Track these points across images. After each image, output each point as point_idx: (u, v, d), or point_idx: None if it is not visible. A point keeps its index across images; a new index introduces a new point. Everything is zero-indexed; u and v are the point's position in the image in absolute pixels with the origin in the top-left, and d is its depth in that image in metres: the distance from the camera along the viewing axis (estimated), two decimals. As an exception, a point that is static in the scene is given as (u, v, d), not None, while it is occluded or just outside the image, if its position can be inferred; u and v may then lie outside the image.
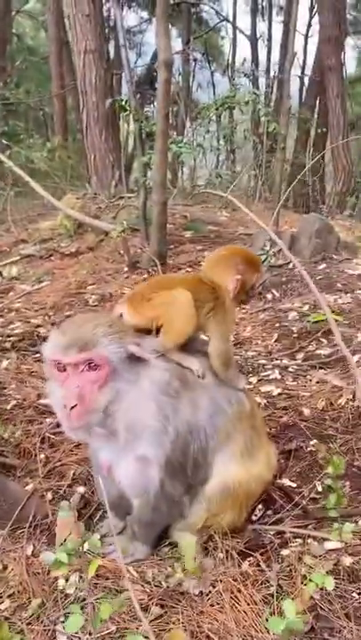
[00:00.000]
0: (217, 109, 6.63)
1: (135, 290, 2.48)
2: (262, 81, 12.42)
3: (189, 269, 5.46)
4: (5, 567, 2.20)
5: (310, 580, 1.71)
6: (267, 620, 1.62)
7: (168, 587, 2.01)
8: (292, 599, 1.44)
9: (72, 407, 1.88)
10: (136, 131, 5.85)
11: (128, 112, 5.60)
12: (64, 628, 1.89)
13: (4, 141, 11.38)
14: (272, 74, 14.10)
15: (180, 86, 15.65)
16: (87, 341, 1.90)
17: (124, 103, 5.78)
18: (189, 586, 2.00)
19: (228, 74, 16.41)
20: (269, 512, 2.42)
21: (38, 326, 4.41)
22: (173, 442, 2.02)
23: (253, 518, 2.36)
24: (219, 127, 12.58)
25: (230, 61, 17.04)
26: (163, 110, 4.92)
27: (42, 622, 1.94)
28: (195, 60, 16.44)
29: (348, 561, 2.03)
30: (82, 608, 1.93)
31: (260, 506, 2.41)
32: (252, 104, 6.34)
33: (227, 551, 2.11)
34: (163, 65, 4.76)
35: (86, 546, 2.22)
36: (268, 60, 15.34)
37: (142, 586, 2.03)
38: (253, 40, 15.29)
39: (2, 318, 4.81)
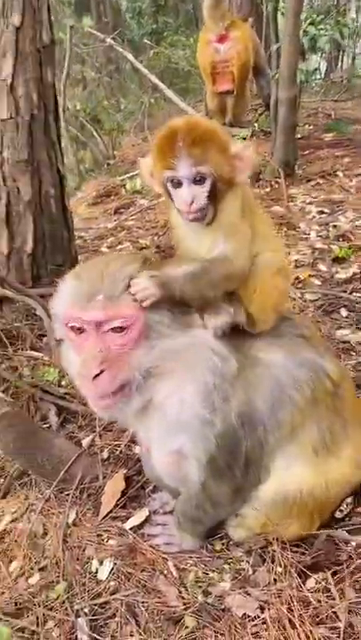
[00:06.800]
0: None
1: None
2: None
3: (321, 181, 4.60)
4: (45, 533, 2.01)
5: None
6: None
7: (207, 600, 1.62)
8: None
9: (95, 376, 1.42)
10: (270, 10, 4.89)
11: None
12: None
13: (147, 41, 10.73)
14: None
15: None
16: (113, 291, 1.41)
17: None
18: (233, 603, 1.60)
19: None
20: (360, 509, 1.87)
21: (142, 248, 4.05)
22: (219, 437, 1.53)
23: (338, 515, 1.84)
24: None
25: None
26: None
27: (65, 610, 1.71)
28: None
29: None
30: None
31: (348, 500, 1.86)
32: None
33: (285, 566, 1.64)
34: None
35: (129, 524, 1.94)
36: None
37: (179, 591, 1.67)
38: None
39: (113, 237, 4.54)
